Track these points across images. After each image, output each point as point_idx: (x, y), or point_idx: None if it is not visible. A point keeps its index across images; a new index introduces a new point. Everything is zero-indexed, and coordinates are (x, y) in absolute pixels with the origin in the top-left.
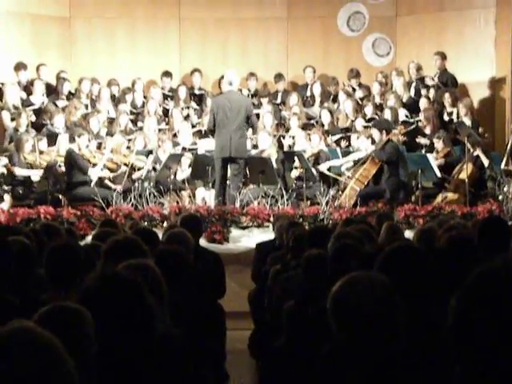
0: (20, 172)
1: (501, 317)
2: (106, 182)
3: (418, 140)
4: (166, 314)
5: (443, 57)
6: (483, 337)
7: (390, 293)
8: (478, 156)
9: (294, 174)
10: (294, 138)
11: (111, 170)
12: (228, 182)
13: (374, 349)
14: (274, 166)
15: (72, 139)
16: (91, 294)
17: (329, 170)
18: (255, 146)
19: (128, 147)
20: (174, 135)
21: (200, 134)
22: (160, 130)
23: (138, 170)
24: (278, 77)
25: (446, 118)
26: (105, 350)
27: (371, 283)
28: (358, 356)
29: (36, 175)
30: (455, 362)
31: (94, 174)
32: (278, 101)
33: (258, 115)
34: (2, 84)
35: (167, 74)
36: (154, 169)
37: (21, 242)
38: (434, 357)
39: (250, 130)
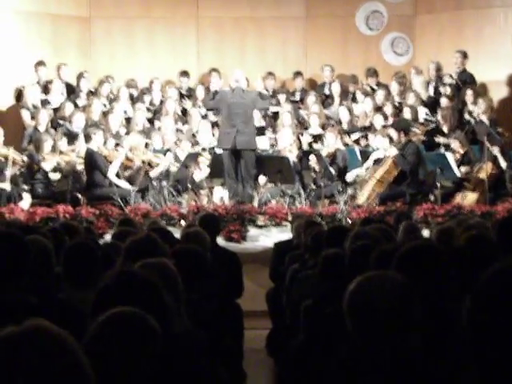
0: (47, 167)
1: None
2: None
3: (436, 139)
4: (183, 313)
5: (464, 55)
6: (497, 336)
7: (406, 291)
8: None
9: (312, 175)
10: (313, 136)
11: (126, 168)
12: (242, 181)
13: (388, 347)
14: (293, 164)
15: (88, 138)
16: (108, 293)
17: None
18: (273, 146)
19: (146, 146)
20: (193, 135)
21: None
22: (178, 130)
23: (156, 166)
24: (297, 74)
25: (466, 116)
26: None
27: (387, 282)
28: (373, 354)
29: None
30: (469, 361)
31: (111, 172)
32: (297, 99)
33: (276, 114)
34: (23, 87)
35: (184, 73)
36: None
37: (39, 241)
38: (448, 355)
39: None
